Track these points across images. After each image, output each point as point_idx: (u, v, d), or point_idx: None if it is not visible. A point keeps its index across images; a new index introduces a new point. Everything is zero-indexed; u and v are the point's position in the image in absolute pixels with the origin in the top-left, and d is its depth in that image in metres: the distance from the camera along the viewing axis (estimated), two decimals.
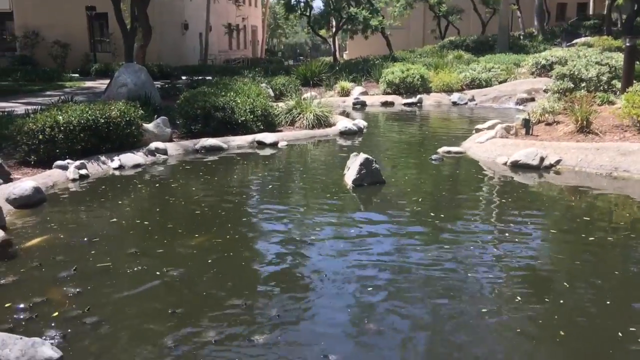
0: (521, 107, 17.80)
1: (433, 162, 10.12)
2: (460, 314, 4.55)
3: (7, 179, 7.95)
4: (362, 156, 8.50)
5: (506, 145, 10.42)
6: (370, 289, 4.99)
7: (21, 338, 3.61)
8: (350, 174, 8.61)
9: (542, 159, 9.42)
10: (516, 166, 9.55)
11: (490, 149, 10.56)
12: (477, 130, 12.34)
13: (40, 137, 8.99)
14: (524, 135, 11.01)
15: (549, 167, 9.38)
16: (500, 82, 21.18)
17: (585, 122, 10.33)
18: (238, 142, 11.72)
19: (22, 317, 4.35)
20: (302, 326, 4.39)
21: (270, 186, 8.72)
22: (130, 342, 4.08)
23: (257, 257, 5.83)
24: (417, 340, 4.23)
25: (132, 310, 4.57)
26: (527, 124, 11.12)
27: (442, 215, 7.08)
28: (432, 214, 7.13)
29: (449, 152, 10.79)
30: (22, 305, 4.52)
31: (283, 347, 4.06)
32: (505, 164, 9.75)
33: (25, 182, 7.44)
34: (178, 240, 6.13)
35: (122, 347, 3.99)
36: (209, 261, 5.55)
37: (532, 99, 18.15)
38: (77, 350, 3.92)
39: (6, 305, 4.52)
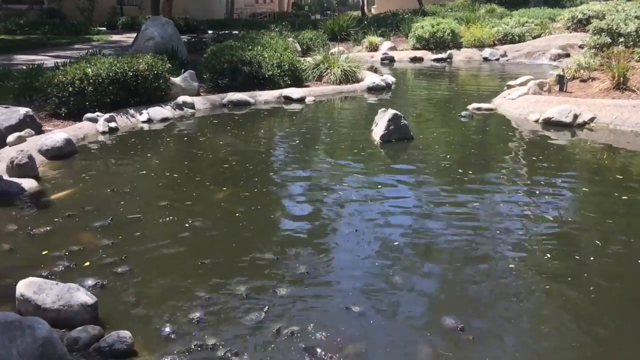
0: (555, 63, 17.30)
1: (462, 119, 9.95)
2: (486, 269, 4.53)
3: (39, 131, 8.06)
4: (391, 112, 8.39)
5: (539, 102, 10.17)
6: (397, 243, 4.99)
7: (57, 284, 3.71)
8: (378, 130, 8.52)
9: (575, 117, 9.19)
10: (548, 123, 9.34)
11: (522, 105, 10.33)
12: (509, 87, 12.05)
13: (70, 89, 9.07)
14: (557, 92, 10.73)
15: (582, 125, 9.16)
16: (534, 37, 20.56)
17: (622, 79, 10.01)
18: (265, 97, 11.66)
19: (57, 264, 4.46)
20: (328, 279, 4.42)
21: (297, 141, 8.69)
22: (162, 292, 4.16)
23: (284, 211, 5.85)
24: (440, 295, 4.23)
25: (163, 261, 4.65)
26: (561, 80, 10.82)
27: (470, 172, 7.00)
28: (460, 171, 7.05)
29: (479, 108, 10.58)
30: (57, 253, 4.64)
31: (309, 300, 4.10)
32: (537, 121, 9.54)
33: (56, 134, 7.54)
34: (206, 193, 6.19)
35: (154, 297, 4.08)
36: (237, 214, 5.60)
37: (567, 55, 17.62)
38: (111, 297, 4.02)
39: (43, 252, 4.65)
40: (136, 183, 6.48)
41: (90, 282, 4.17)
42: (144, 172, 6.92)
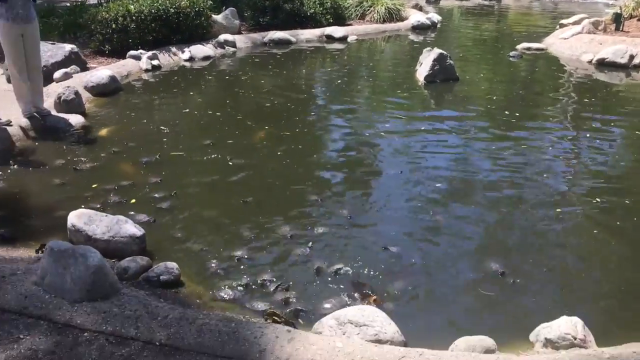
0: (611, 2, 16.42)
1: (511, 59, 9.61)
2: (531, 213, 4.45)
3: (84, 68, 8.14)
4: (436, 51, 8.15)
5: (593, 42, 9.71)
6: (439, 185, 4.94)
7: (106, 215, 3.81)
8: (422, 70, 8.31)
9: (631, 57, 8.76)
10: (602, 64, 8.93)
11: (574, 45, 9.88)
12: (561, 26, 11.52)
13: (113, 26, 9.08)
14: (613, 32, 10.20)
15: (638, 66, 8.73)
16: None
17: None
18: (307, 35, 11.46)
19: (106, 198, 4.57)
20: (370, 221, 4.42)
21: (339, 81, 8.56)
22: (207, 228, 4.22)
23: (326, 151, 5.83)
24: (483, 238, 4.19)
25: (208, 198, 4.72)
26: (617, 19, 10.26)
27: (517, 114, 6.81)
28: (506, 112, 6.86)
29: (528, 48, 10.18)
30: (106, 187, 4.75)
31: (351, 239, 4.12)
32: (590, 61, 9.13)
33: (101, 71, 7.61)
34: (248, 131, 6.19)
35: (199, 232, 4.15)
36: (279, 153, 5.60)
37: None
38: (158, 231, 4.12)
39: (92, 186, 4.76)
40: (179, 121, 6.53)
41: (137, 215, 4.27)
42: (187, 110, 6.96)
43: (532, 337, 2.92)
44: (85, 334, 2.77)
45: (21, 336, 2.73)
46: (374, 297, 3.43)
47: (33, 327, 2.80)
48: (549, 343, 2.78)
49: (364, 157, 5.58)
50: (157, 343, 2.72)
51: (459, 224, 4.33)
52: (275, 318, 3.13)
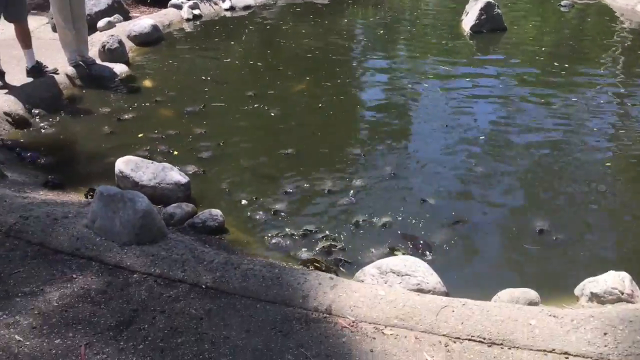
0: None
1: (562, 8, 9.21)
2: (575, 171, 4.33)
3: (126, 17, 8.17)
4: (483, 0, 7.86)
5: None
6: (483, 137, 4.85)
7: (152, 162, 3.88)
8: (468, 20, 8.06)
9: None
10: None
11: None
12: None
13: None
14: None
15: None
16: None
17: None
18: None
19: (153, 146, 4.65)
20: (413, 174, 4.39)
21: (382, 31, 8.37)
22: (250, 178, 4.26)
23: (368, 102, 5.76)
24: (527, 194, 4.11)
25: (250, 149, 4.73)
26: None
27: (567, 65, 6.57)
28: (555, 64, 6.63)
29: None
30: (151, 136, 4.82)
31: (392, 192, 4.11)
32: None
33: (144, 20, 7.62)
34: (289, 81, 6.15)
35: (242, 182, 4.19)
36: (320, 105, 5.56)
37: None
38: (202, 180, 4.18)
39: (139, 135, 4.84)
40: (220, 71, 6.53)
41: (182, 164, 4.33)
42: (228, 59, 6.94)
43: (577, 291, 2.89)
44: (135, 275, 2.87)
45: (74, 276, 2.84)
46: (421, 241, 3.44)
47: (85, 267, 2.91)
48: (594, 297, 2.75)
49: (406, 108, 5.50)
50: (203, 286, 2.80)
51: (501, 178, 4.27)
52: (317, 265, 3.18)
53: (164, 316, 2.59)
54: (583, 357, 2.32)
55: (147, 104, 5.52)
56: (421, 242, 3.48)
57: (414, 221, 3.69)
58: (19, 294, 2.68)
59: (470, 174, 4.31)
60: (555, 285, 3.09)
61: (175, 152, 4.57)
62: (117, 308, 2.63)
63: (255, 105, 5.48)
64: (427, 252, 3.39)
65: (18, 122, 4.83)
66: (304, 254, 3.38)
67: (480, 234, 3.62)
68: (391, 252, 3.38)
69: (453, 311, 2.54)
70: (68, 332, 2.47)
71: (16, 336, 2.42)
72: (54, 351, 2.36)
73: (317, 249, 3.44)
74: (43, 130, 4.88)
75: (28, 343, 2.39)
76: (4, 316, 2.54)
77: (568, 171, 4.33)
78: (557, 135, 4.87)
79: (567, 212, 3.84)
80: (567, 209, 3.88)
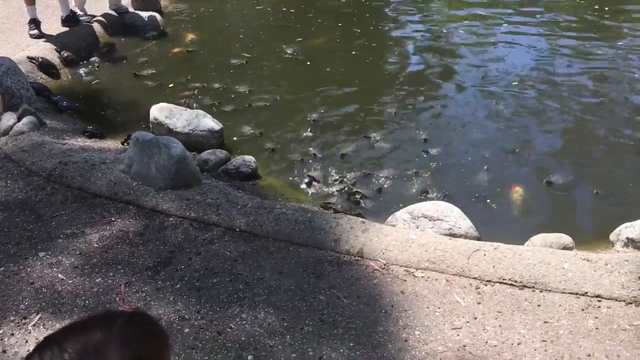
0: None
1: None
2: (615, 123, 4.20)
3: None
4: None
5: None
6: (515, 83, 4.73)
7: (186, 110, 3.91)
8: None
9: None
10: None
11: None
12: None
13: None
14: None
15: None
16: None
17: None
18: None
19: (187, 94, 4.67)
20: (444, 126, 4.35)
21: None
22: (283, 128, 4.25)
23: (400, 55, 5.65)
24: (562, 145, 4.01)
25: (284, 99, 4.70)
26: None
27: (606, 8, 6.29)
28: (595, 7, 6.35)
29: None
30: (185, 85, 4.84)
31: (424, 144, 4.07)
32: None
33: None
34: (322, 30, 6.05)
35: (275, 131, 4.19)
36: (353, 52, 5.49)
37: None
38: (236, 126, 4.20)
39: (171, 84, 4.86)
40: (253, 18, 6.46)
41: (215, 111, 4.34)
42: (260, 7, 6.84)
43: (612, 236, 2.85)
44: (171, 218, 2.94)
45: (113, 219, 2.93)
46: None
47: (123, 211, 3.00)
48: (630, 242, 2.70)
49: (439, 60, 5.36)
50: (237, 229, 2.85)
51: (536, 129, 4.18)
52: (348, 211, 3.20)
53: (200, 257, 2.66)
54: (616, 300, 2.31)
55: (180, 52, 5.52)
56: (446, 192, 3.44)
57: (448, 172, 3.67)
58: (61, 236, 2.79)
59: (503, 124, 4.24)
60: (591, 231, 3.06)
61: (209, 100, 4.58)
62: (154, 250, 2.71)
63: (289, 53, 5.42)
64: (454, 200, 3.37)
65: (54, 70, 4.90)
66: (336, 199, 3.40)
67: (514, 181, 3.57)
68: (424, 195, 3.38)
69: (485, 255, 2.54)
70: (108, 272, 2.56)
71: (59, 275, 2.53)
72: (95, 289, 2.46)
73: (348, 195, 3.45)
74: (79, 79, 4.95)
75: (70, 281, 2.50)
76: (47, 256, 2.65)
77: (609, 120, 4.20)
78: (596, 86, 4.72)
79: (605, 160, 3.75)
80: (606, 157, 3.79)
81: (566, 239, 2.76)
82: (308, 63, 5.24)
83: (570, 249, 2.71)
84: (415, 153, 3.86)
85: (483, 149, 3.88)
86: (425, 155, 3.81)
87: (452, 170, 3.66)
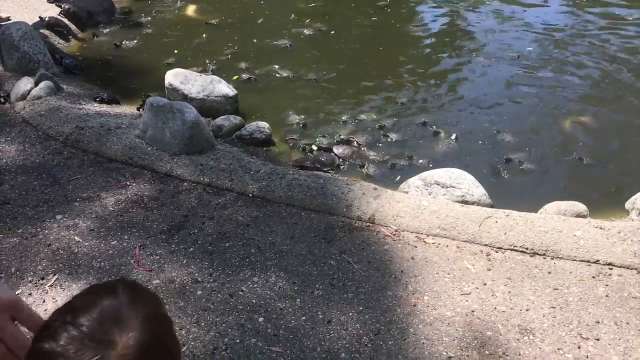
0: None
1: None
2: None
3: None
4: None
5: None
6: (535, 62, 4.64)
7: (201, 75, 3.90)
8: None
9: None
10: None
11: None
12: None
13: None
14: None
15: None
16: None
17: None
18: None
19: (203, 59, 4.66)
20: (463, 92, 4.29)
21: None
22: (296, 95, 4.23)
23: (421, 22, 5.55)
24: (578, 104, 3.95)
25: (297, 67, 4.66)
26: None
27: None
28: None
29: None
30: (203, 49, 4.83)
31: (441, 108, 4.03)
32: None
33: None
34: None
35: (289, 98, 4.17)
36: (373, 18, 5.41)
37: None
38: (250, 93, 4.19)
39: (188, 49, 4.85)
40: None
41: (231, 77, 4.34)
42: None
43: (627, 205, 2.81)
44: (185, 183, 2.97)
45: (128, 183, 2.96)
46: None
47: (138, 175, 3.03)
48: None
49: (461, 28, 5.27)
50: (250, 194, 2.88)
51: (553, 96, 4.11)
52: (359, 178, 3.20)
53: (213, 222, 2.70)
54: (628, 268, 2.30)
55: (198, 17, 5.48)
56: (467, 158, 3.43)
57: (468, 135, 3.64)
58: (78, 199, 2.83)
59: (519, 90, 4.17)
60: (606, 200, 3.02)
61: (224, 66, 4.57)
62: (168, 214, 2.75)
63: (303, 22, 5.35)
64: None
65: (71, 35, 4.91)
66: (347, 167, 3.40)
67: (531, 152, 3.53)
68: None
69: (496, 222, 2.53)
70: (123, 235, 2.61)
71: (76, 237, 2.59)
72: (110, 251, 2.51)
73: (359, 164, 3.44)
74: (96, 43, 4.95)
75: (87, 244, 2.55)
76: (64, 219, 2.70)
77: (630, 88, 4.11)
78: (623, 60, 4.61)
79: (624, 130, 3.68)
80: (625, 127, 3.72)
81: (580, 207, 2.73)
82: (325, 29, 5.18)
83: (584, 217, 2.68)
84: (432, 125, 3.83)
85: (509, 120, 3.84)
86: (441, 120, 3.78)
87: (469, 140, 3.63)
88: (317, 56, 4.74)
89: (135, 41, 4.97)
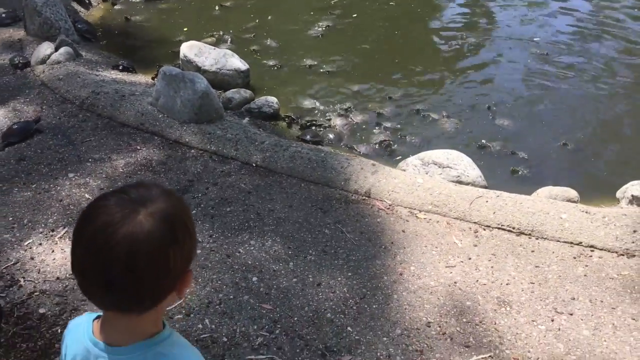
0: None
1: None
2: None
3: None
4: None
5: None
6: (540, 54, 4.67)
7: (214, 49, 4.01)
8: None
9: None
10: None
11: None
12: None
13: None
14: None
15: None
16: None
17: None
18: None
19: (219, 33, 4.77)
20: (481, 77, 4.35)
21: None
22: (307, 72, 4.32)
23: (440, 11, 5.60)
24: (576, 96, 4.00)
25: (310, 48, 4.75)
26: None
27: None
28: None
29: None
30: (218, 27, 4.93)
31: (451, 95, 4.10)
32: None
33: None
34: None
35: (301, 75, 4.27)
36: (391, 2, 5.47)
37: None
38: (262, 68, 4.29)
39: (205, 23, 4.95)
40: None
41: (244, 52, 4.43)
42: None
43: (618, 193, 2.89)
44: (192, 150, 3.10)
45: (138, 147, 3.10)
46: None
47: (148, 140, 3.16)
48: (635, 200, 2.74)
49: (478, 21, 5.31)
50: (254, 164, 3.00)
51: (560, 90, 4.17)
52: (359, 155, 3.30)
53: (216, 188, 2.82)
54: (609, 251, 2.39)
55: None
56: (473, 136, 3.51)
57: (471, 124, 3.72)
58: (90, 160, 2.98)
59: (531, 82, 4.22)
60: (598, 188, 3.09)
61: (239, 41, 4.67)
62: (175, 178, 2.88)
63: (320, 6, 5.42)
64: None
65: (91, 3, 5.04)
66: (351, 143, 3.50)
67: (529, 138, 3.60)
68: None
69: (487, 201, 2.63)
70: None
71: (86, 195, 2.73)
72: None
73: (362, 142, 3.54)
74: (116, 13, 5.08)
75: None
76: (76, 177, 2.84)
77: (628, 80, 4.16)
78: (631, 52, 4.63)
79: (621, 120, 3.74)
80: (621, 118, 3.78)
81: (572, 193, 2.81)
82: (338, 12, 5.24)
83: (574, 202, 2.76)
84: (441, 111, 3.91)
85: (515, 106, 3.92)
86: (446, 107, 3.86)
87: (471, 130, 3.71)
88: (336, 42, 4.81)
89: (155, 12, 5.08)
